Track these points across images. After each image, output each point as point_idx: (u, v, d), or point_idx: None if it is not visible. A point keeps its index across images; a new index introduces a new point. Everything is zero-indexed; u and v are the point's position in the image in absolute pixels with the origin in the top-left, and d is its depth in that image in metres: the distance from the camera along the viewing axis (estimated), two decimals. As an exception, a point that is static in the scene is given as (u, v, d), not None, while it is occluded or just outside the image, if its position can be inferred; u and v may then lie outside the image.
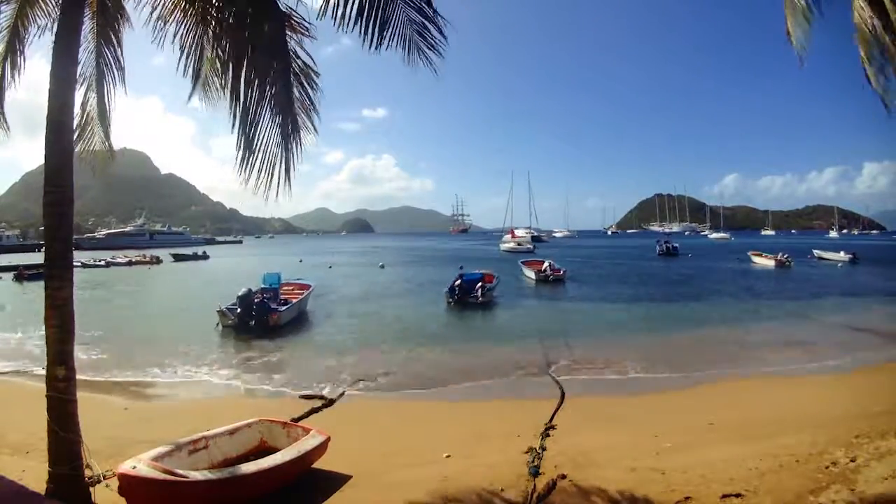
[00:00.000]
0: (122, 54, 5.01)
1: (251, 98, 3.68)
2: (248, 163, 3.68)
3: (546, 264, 27.08)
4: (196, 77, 4.19)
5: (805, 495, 4.08)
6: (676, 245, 48.90)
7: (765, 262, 35.59)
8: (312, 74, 4.20)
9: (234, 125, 3.65)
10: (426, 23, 3.86)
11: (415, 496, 4.38)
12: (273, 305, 14.35)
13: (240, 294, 13.94)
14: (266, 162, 3.75)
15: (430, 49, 3.92)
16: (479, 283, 19.09)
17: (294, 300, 16.04)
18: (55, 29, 4.09)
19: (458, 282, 18.96)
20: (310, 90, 4.21)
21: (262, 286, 16.19)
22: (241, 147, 3.66)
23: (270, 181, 3.75)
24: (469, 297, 18.43)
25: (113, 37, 4.91)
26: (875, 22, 3.55)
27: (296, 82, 4.12)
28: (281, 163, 3.80)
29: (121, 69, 5.04)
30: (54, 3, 4.54)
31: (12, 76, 4.91)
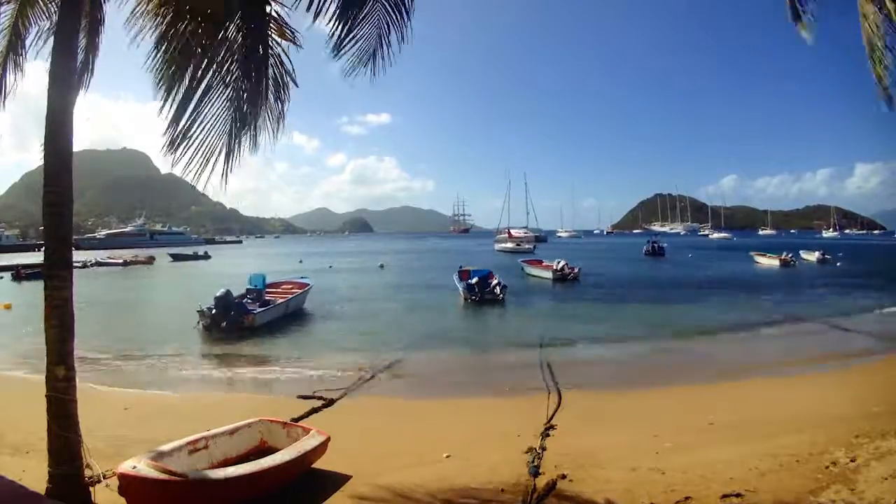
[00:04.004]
0: (95, 57, 4.80)
1: (204, 83, 3.74)
2: (180, 145, 3.75)
3: (563, 263, 27.06)
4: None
5: (805, 495, 4.08)
6: (664, 245, 49.86)
7: (769, 261, 36.33)
8: (289, 83, 4.24)
9: (165, 103, 3.73)
10: (393, 31, 3.97)
11: (415, 496, 4.38)
12: (250, 307, 14.27)
13: (217, 294, 13.80)
14: (204, 150, 3.81)
15: (382, 59, 4.07)
16: (496, 282, 19.09)
17: (281, 300, 16.00)
18: (54, 29, 4.08)
19: (476, 279, 19.01)
20: (282, 97, 4.25)
21: (248, 286, 16.19)
22: (174, 130, 3.74)
23: (203, 170, 3.81)
24: (487, 294, 18.53)
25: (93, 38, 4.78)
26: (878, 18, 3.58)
27: (272, 87, 4.13)
28: (221, 155, 3.87)
29: (91, 72, 4.83)
30: (55, 4, 4.52)
31: (14, 75, 4.88)
